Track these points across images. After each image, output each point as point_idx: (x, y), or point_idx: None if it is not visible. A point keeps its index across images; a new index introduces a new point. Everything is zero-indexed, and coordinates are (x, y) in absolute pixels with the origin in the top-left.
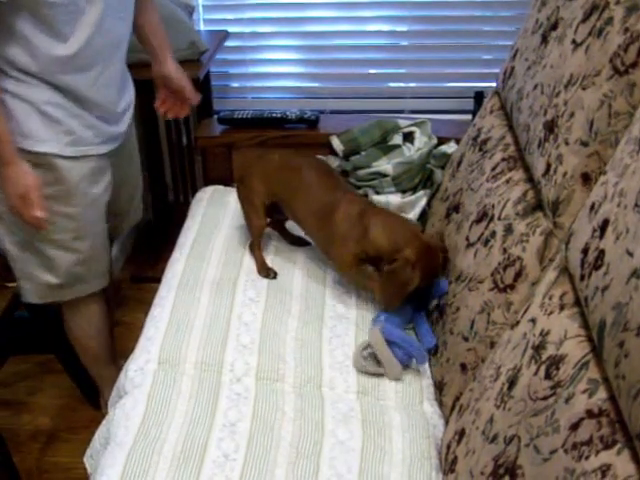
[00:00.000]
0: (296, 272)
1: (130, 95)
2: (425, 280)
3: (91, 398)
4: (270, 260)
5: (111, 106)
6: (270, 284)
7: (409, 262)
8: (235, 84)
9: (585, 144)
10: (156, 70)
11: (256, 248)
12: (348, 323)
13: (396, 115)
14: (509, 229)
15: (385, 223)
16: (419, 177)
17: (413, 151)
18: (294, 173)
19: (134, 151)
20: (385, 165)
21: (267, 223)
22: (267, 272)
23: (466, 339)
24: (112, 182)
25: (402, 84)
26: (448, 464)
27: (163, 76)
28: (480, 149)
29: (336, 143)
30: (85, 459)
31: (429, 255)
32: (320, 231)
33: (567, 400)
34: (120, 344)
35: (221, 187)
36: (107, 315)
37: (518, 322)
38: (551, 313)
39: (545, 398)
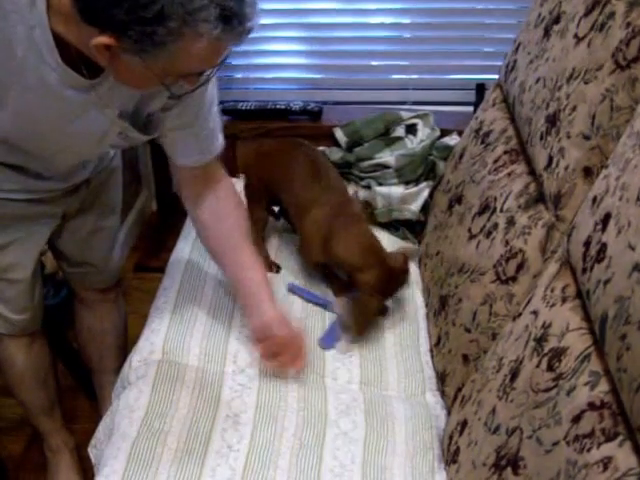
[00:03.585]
0: (299, 264)
1: (85, 173)
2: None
3: (88, 390)
4: (273, 254)
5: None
6: (273, 275)
7: (370, 287)
8: (239, 75)
9: (587, 138)
10: (253, 324)
11: (259, 242)
12: None
13: (399, 107)
14: (511, 221)
15: (349, 238)
16: (422, 169)
17: (415, 143)
18: (284, 164)
19: (105, 206)
20: (388, 157)
21: (273, 214)
22: (270, 266)
23: (468, 330)
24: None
25: (405, 76)
26: (450, 455)
27: (262, 330)
28: (482, 142)
29: (339, 135)
30: (89, 449)
31: (389, 278)
32: (299, 227)
33: (569, 392)
34: None
35: None
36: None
37: (520, 314)
38: (553, 305)
39: (547, 390)
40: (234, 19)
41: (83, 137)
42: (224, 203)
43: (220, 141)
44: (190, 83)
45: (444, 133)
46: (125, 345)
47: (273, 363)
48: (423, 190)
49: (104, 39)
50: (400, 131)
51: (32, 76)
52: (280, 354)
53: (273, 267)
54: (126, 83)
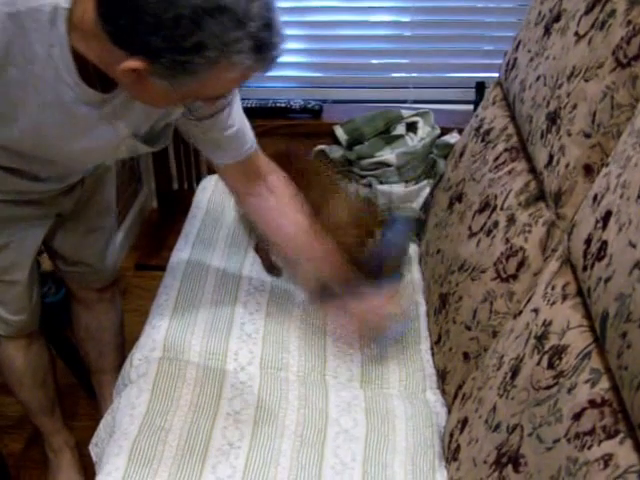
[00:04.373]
0: None
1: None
2: None
3: (89, 389)
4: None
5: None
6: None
7: None
8: None
9: (587, 136)
10: (354, 308)
11: (262, 247)
12: None
13: (399, 105)
14: (512, 219)
15: None
16: (422, 167)
17: (416, 141)
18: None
19: (99, 205)
20: (389, 155)
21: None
22: (271, 269)
23: (469, 328)
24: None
25: (405, 74)
26: (451, 452)
27: (364, 312)
28: (483, 140)
29: (340, 133)
30: (90, 447)
31: None
32: None
33: (570, 390)
34: (125, 332)
35: None
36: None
37: (521, 312)
38: (554, 303)
39: (548, 388)
40: (265, 49)
41: (92, 151)
42: (277, 198)
43: (249, 139)
44: (209, 105)
45: (444, 131)
46: (123, 343)
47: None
48: (424, 188)
49: (134, 63)
50: (401, 129)
51: (48, 93)
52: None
53: (275, 270)
54: (144, 102)
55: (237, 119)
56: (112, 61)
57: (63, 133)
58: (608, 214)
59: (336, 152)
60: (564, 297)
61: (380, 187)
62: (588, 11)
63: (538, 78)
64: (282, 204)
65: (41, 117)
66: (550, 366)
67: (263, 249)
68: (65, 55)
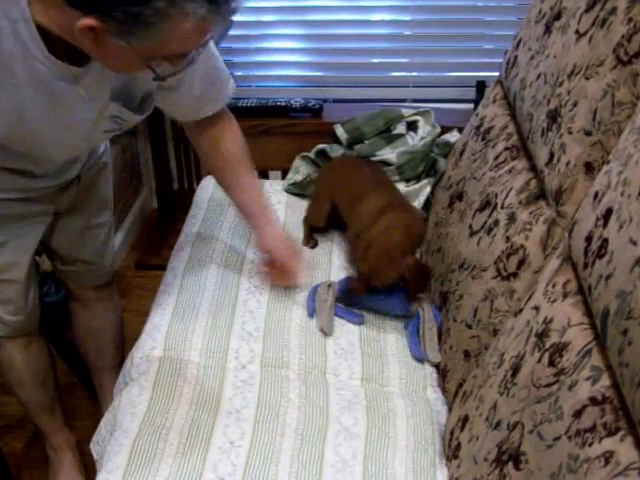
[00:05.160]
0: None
1: (75, 169)
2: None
3: (89, 388)
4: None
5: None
6: None
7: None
8: (239, 72)
9: (588, 133)
10: (257, 245)
11: (308, 232)
12: None
13: (399, 104)
14: (512, 218)
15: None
16: (423, 166)
17: (417, 140)
18: (349, 181)
19: (96, 201)
20: (389, 154)
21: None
22: (309, 241)
23: (469, 326)
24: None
25: (405, 73)
26: (451, 450)
27: (264, 250)
28: (483, 138)
29: (340, 132)
30: (91, 445)
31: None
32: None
33: (570, 387)
34: (126, 331)
35: None
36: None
37: (521, 310)
38: (554, 301)
39: (549, 385)
40: None
41: (76, 126)
42: (220, 133)
43: (221, 97)
44: (174, 65)
45: (444, 130)
46: (122, 342)
47: (265, 271)
48: (424, 187)
49: (88, 21)
50: (401, 128)
51: (21, 70)
52: (275, 270)
53: (311, 242)
54: (111, 68)
55: (197, 83)
56: (70, 26)
57: (46, 111)
58: (609, 212)
59: (337, 151)
60: (565, 295)
61: None
62: (589, 9)
63: (539, 76)
64: (220, 137)
65: (21, 97)
66: (551, 364)
67: (309, 223)
68: (30, 29)
